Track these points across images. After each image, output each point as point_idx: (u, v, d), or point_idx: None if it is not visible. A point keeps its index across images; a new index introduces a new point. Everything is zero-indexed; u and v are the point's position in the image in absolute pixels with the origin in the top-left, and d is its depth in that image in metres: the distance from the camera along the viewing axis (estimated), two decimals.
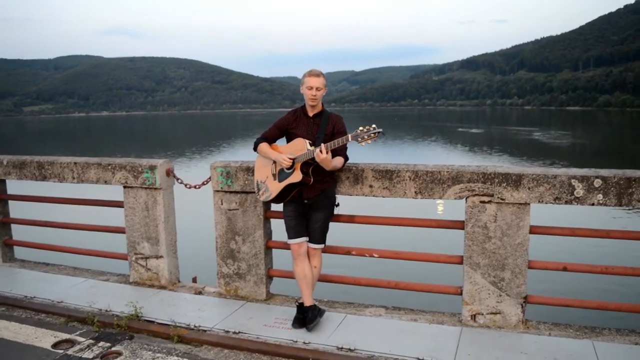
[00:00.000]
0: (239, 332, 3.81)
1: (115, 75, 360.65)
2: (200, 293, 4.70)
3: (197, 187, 4.76)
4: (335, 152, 3.71)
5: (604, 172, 3.59)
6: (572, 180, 3.59)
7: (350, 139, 3.51)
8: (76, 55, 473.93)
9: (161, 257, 4.82)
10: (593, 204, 3.59)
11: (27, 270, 5.47)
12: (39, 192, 5.79)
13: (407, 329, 3.84)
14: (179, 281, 4.98)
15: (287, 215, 3.89)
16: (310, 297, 3.89)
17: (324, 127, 3.80)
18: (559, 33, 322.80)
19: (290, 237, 3.88)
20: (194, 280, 5.11)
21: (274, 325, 3.94)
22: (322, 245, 3.93)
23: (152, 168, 4.70)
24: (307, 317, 3.83)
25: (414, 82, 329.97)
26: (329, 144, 3.59)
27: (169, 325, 3.97)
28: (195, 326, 3.93)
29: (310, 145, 3.69)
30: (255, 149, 3.98)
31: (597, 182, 3.55)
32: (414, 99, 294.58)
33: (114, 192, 5.16)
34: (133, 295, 4.62)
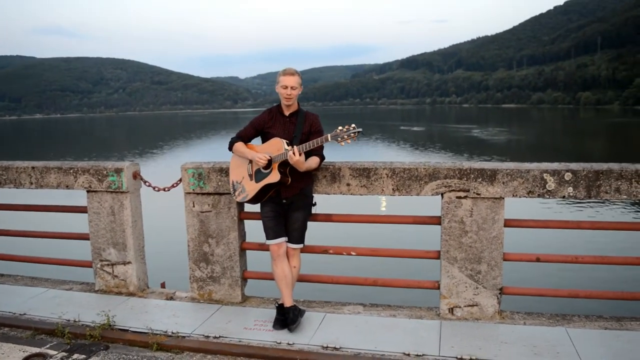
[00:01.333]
0: (220, 337, 3.73)
1: (48, 76, 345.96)
2: (171, 298, 4.57)
3: (167, 189, 4.63)
4: (311, 152, 3.69)
5: (574, 165, 3.74)
6: (544, 174, 3.72)
7: (329, 139, 3.50)
8: (6, 56, 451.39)
9: (129, 263, 4.66)
10: (564, 197, 3.74)
11: None
12: None
13: (388, 325, 3.87)
14: (147, 287, 4.83)
15: (265, 216, 3.84)
16: (290, 297, 3.86)
17: (301, 126, 3.77)
18: (494, 33, 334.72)
19: (269, 238, 3.83)
20: (163, 285, 4.96)
21: (254, 327, 3.89)
22: (301, 245, 3.91)
23: (118, 171, 4.53)
24: (288, 318, 3.79)
25: (355, 81, 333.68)
26: (302, 145, 3.57)
27: (145, 333, 3.83)
28: (173, 333, 3.82)
29: (288, 144, 3.66)
30: (230, 148, 3.90)
31: (568, 176, 3.70)
32: (355, 98, 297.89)
33: (72, 197, 4.95)
34: (101, 303, 4.44)
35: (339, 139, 3.46)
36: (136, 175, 4.63)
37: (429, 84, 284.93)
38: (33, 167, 4.84)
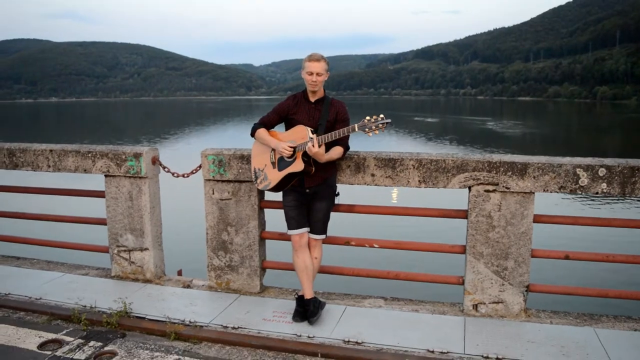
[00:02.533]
0: (239, 327, 3.66)
1: (64, 60, 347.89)
2: (188, 286, 4.50)
3: (186, 175, 4.54)
4: (336, 142, 3.57)
5: (608, 161, 3.60)
6: (577, 169, 3.59)
7: (356, 129, 3.38)
8: (22, 39, 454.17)
9: (146, 249, 4.59)
10: (597, 193, 3.60)
11: None
12: (9, 181, 5.41)
13: (410, 320, 3.78)
14: (164, 274, 4.77)
15: (288, 205, 3.74)
16: (311, 289, 3.77)
17: (326, 113, 3.66)
18: (510, 25, 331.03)
19: (291, 228, 3.73)
20: (179, 273, 4.90)
21: (273, 319, 3.80)
22: (323, 236, 3.81)
23: (137, 156, 4.45)
24: (308, 310, 3.71)
25: (370, 71, 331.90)
26: (326, 135, 3.46)
27: (162, 321, 3.77)
28: (190, 322, 3.75)
29: (313, 132, 3.55)
30: (252, 134, 3.80)
31: (602, 171, 3.56)
32: (369, 87, 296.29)
33: (90, 181, 4.88)
34: (117, 290, 4.39)
35: (367, 129, 3.34)
36: (155, 161, 4.55)
37: (443, 75, 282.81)
38: (51, 150, 4.77)
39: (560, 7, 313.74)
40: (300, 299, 3.81)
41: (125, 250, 4.66)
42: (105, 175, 4.62)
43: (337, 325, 3.68)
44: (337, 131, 3.44)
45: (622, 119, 69.70)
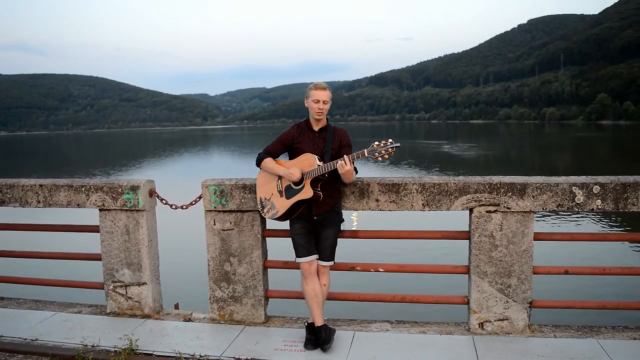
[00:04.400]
0: (252, 359, 3.62)
1: (13, 93, 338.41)
2: (189, 320, 4.43)
3: (185, 207, 4.51)
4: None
5: (601, 178, 3.78)
6: (573, 188, 3.76)
7: (366, 154, 3.45)
8: None
9: (144, 284, 4.50)
10: (592, 210, 3.77)
11: None
12: None
13: (420, 342, 3.82)
14: (162, 309, 4.67)
15: (296, 233, 3.76)
16: (321, 316, 3.78)
17: (330, 141, 3.73)
18: (460, 51, 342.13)
19: (300, 256, 3.74)
20: (176, 306, 4.82)
21: (284, 348, 3.78)
22: (332, 263, 3.84)
23: (135, 188, 4.40)
24: (320, 337, 3.71)
25: None
26: (352, 155, 3.50)
27: (172, 357, 3.69)
28: (201, 356, 3.69)
29: (319, 160, 3.60)
30: (258, 164, 3.83)
31: (596, 189, 3.74)
32: (326, 115, 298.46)
33: (76, 216, 4.76)
34: (117, 327, 4.28)
35: (376, 154, 3.42)
36: (152, 193, 4.50)
37: (397, 101, 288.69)
38: (41, 185, 4.66)
39: (506, 32, 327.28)
40: (310, 327, 3.80)
41: (121, 286, 4.56)
42: (100, 209, 4.54)
43: (350, 351, 3.70)
44: (353, 154, 3.49)
45: (570, 137, 72.56)
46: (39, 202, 4.68)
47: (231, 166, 40.65)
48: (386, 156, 3.42)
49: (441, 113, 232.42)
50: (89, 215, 4.75)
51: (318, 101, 3.66)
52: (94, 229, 4.65)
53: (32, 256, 5.06)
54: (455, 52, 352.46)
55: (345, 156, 3.47)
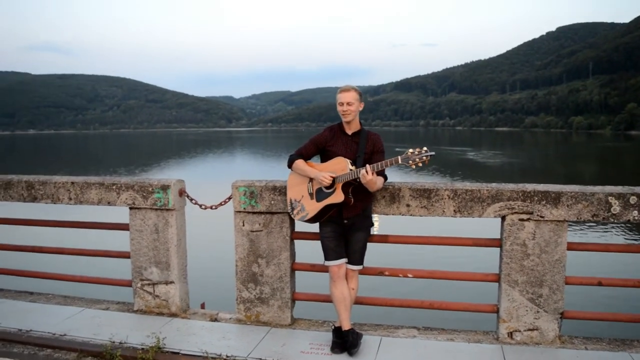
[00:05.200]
0: None
1: (43, 92, 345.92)
2: (215, 320, 4.45)
3: (214, 207, 4.53)
4: (377, 172, 3.59)
5: (639, 189, 3.69)
6: (609, 198, 3.68)
7: (400, 161, 3.42)
8: (0, 72, 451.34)
9: (172, 282, 4.54)
10: (629, 220, 3.68)
11: (11, 300, 5.00)
12: (25, 214, 5.33)
13: (448, 350, 3.78)
14: (189, 308, 4.70)
15: (325, 237, 3.74)
16: (348, 320, 3.75)
17: (363, 145, 3.71)
18: (486, 57, 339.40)
19: (329, 259, 3.73)
20: (202, 306, 4.84)
21: (310, 351, 3.77)
22: (361, 267, 3.82)
23: (165, 188, 4.44)
24: (347, 341, 3.68)
25: None
26: (374, 165, 3.48)
27: (199, 356, 3.71)
28: (228, 356, 3.70)
29: (352, 164, 3.59)
30: (290, 165, 3.83)
31: (633, 199, 3.65)
32: None
33: (106, 213, 4.81)
34: (144, 324, 4.32)
35: (410, 161, 3.38)
36: (182, 192, 4.54)
37: (422, 107, 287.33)
38: (72, 183, 4.73)
39: (534, 40, 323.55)
40: (337, 331, 3.79)
41: (149, 284, 4.60)
42: (130, 208, 4.59)
43: (377, 356, 3.67)
44: (382, 162, 3.47)
45: (598, 147, 71.33)
46: (70, 199, 4.76)
47: (254, 168, 40.87)
48: (420, 164, 3.39)
49: (466, 120, 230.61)
50: (116, 214, 4.80)
51: (342, 103, 3.66)
52: (123, 226, 4.71)
53: (61, 252, 5.12)
54: (482, 58, 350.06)
55: (367, 165, 3.44)
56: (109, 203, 4.63)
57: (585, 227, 13.34)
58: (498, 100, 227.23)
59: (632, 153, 61.25)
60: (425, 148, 3.40)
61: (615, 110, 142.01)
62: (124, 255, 4.72)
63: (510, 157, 54.02)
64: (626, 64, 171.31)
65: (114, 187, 4.60)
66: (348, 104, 3.67)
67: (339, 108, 3.69)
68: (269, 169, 38.42)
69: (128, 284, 4.74)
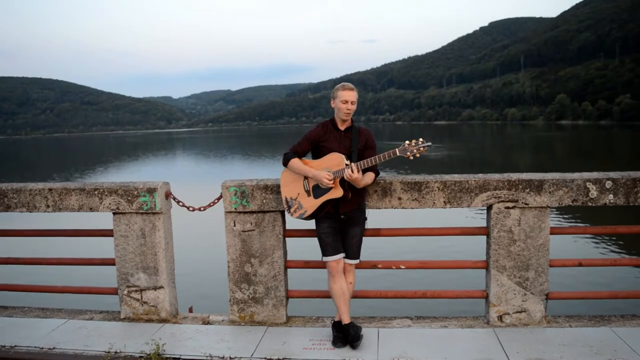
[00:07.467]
0: (285, 359, 3.65)
1: None
2: (207, 323, 4.42)
3: (203, 209, 4.49)
4: (368, 168, 3.68)
5: (613, 174, 3.96)
6: (587, 183, 3.92)
7: (397, 153, 3.52)
8: None
9: (161, 287, 4.47)
10: (605, 204, 3.94)
11: None
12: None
13: (445, 336, 3.92)
14: (178, 312, 4.64)
15: (323, 232, 3.79)
16: (348, 314, 3.83)
17: (357, 141, 3.78)
18: (423, 53, 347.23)
19: (328, 255, 3.78)
20: (190, 310, 4.79)
21: (313, 347, 3.82)
22: (357, 261, 3.90)
23: (151, 191, 4.36)
24: (349, 335, 3.76)
25: (290, 100, 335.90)
26: (364, 161, 3.57)
27: (202, 359, 3.69)
28: (232, 357, 3.70)
29: (347, 159, 3.66)
30: (285, 164, 3.85)
31: (608, 184, 3.91)
32: (291, 117, 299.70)
33: (85, 220, 4.67)
34: (135, 332, 4.23)
35: (408, 153, 3.49)
36: (168, 195, 4.48)
37: (362, 103, 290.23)
38: (50, 189, 4.57)
39: (468, 35, 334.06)
40: (337, 325, 3.85)
41: (136, 290, 4.51)
42: (114, 213, 4.48)
43: (380, 347, 3.76)
44: (374, 157, 3.57)
45: (531, 137, 74.42)
46: (48, 206, 4.59)
47: (195, 170, 40.03)
48: (417, 155, 3.50)
49: (406, 114, 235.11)
50: (95, 220, 4.67)
51: (346, 102, 3.72)
52: (106, 233, 4.59)
53: (39, 263, 4.94)
54: (419, 54, 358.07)
55: (352, 164, 3.54)
56: (90, 209, 4.50)
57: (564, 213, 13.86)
58: (436, 95, 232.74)
59: (563, 142, 64.27)
60: (421, 139, 3.52)
61: (546, 101, 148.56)
62: (108, 262, 4.60)
63: (449, 150, 55.52)
64: (555, 57, 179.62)
65: (96, 192, 4.48)
66: (352, 102, 3.74)
67: (342, 106, 3.72)
68: (215, 169, 37.89)
69: (113, 291, 4.63)
